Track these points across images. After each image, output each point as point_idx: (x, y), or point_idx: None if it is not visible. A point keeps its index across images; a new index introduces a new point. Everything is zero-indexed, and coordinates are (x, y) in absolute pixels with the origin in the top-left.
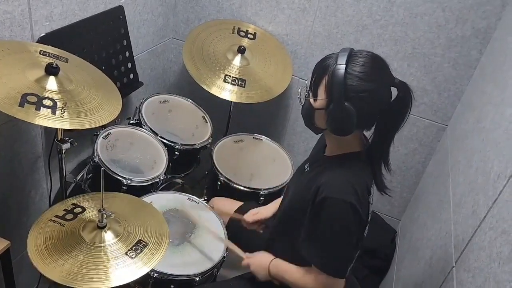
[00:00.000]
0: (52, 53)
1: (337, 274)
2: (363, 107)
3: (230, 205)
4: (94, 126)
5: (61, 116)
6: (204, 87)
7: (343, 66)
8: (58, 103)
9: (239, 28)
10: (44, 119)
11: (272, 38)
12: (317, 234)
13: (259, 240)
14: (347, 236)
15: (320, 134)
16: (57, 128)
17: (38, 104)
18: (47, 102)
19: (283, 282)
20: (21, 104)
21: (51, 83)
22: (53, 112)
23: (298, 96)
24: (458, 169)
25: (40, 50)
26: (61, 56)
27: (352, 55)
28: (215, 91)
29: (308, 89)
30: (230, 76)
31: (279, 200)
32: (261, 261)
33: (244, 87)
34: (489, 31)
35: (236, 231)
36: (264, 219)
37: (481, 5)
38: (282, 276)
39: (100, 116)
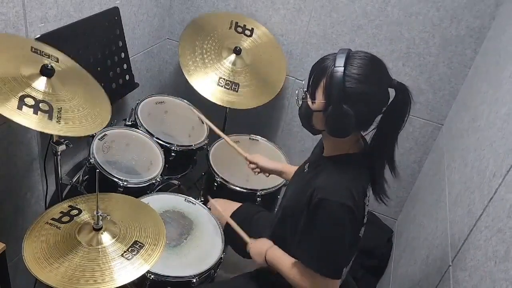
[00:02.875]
0: (43, 52)
1: (333, 275)
2: (362, 109)
3: (227, 206)
4: (87, 134)
5: (57, 121)
6: None
7: (342, 68)
8: (54, 108)
9: (236, 23)
10: (40, 122)
11: (268, 38)
12: (312, 236)
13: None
14: (342, 237)
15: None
16: None
17: (35, 108)
18: (43, 105)
19: (278, 271)
20: (19, 107)
21: (41, 83)
22: (50, 118)
23: (296, 97)
24: (454, 168)
25: (32, 47)
26: (52, 55)
27: (350, 57)
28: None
29: (305, 90)
30: (223, 79)
31: (283, 164)
32: (260, 247)
33: (237, 91)
34: (483, 30)
35: (233, 232)
36: (261, 166)
37: (475, 4)
38: (276, 264)
39: (94, 123)
